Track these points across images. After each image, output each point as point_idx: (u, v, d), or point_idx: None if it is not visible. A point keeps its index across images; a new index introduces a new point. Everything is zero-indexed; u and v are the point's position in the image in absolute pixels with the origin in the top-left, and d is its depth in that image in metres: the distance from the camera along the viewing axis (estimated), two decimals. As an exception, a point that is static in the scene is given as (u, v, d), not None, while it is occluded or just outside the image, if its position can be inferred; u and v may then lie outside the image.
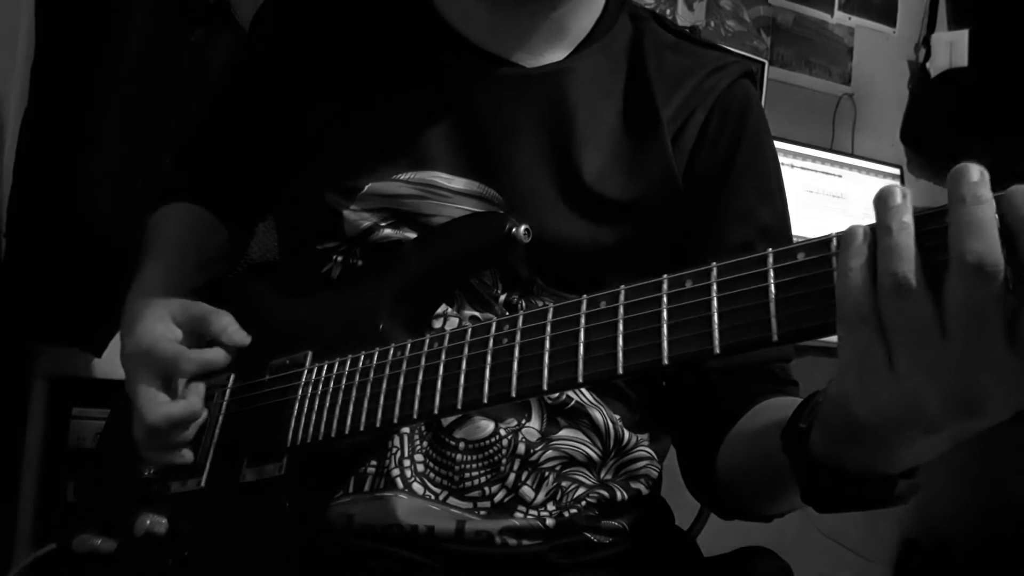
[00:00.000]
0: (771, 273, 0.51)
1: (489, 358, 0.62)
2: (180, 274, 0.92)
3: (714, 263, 0.54)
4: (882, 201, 0.48)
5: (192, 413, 0.78)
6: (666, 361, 0.54)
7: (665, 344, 0.54)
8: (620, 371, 0.55)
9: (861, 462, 0.56)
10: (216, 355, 0.80)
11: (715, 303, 0.53)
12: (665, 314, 0.54)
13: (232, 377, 0.81)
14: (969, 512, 2.20)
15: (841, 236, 0.49)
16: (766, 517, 0.80)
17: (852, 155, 2.44)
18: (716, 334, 0.52)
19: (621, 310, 0.56)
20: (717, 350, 0.52)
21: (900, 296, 0.47)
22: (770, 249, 0.52)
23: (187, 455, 0.79)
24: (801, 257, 0.50)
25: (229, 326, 0.80)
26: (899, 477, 0.56)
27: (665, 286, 0.55)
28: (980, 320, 0.45)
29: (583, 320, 0.58)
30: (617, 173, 0.85)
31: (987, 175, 0.45)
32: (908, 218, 0.47)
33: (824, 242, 0.50)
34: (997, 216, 0.44)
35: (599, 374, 0.56)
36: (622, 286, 0.58)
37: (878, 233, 0.48)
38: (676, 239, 0.86)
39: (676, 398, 0.88)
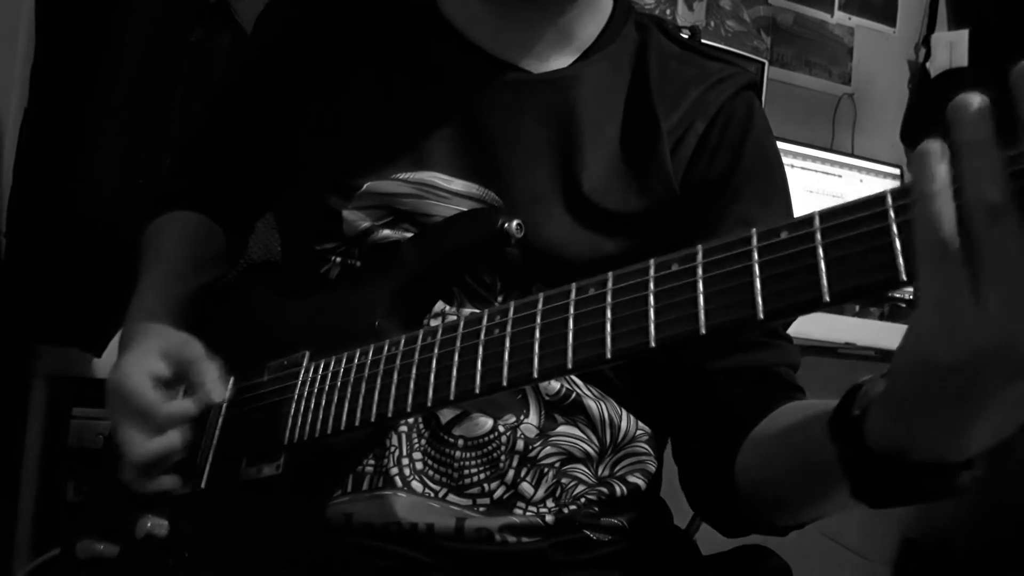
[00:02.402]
0: (755, 253, 0.51)
1: (481, 349, 0.62)
2: (179, 287, 0.92)
3: (699, 245, 0.54)
4: (959, 112, 0.43)
5: (172, 447, 0.78)
6: (653, 344, 0.54)
7: (652, 327, 0.54)
8: (608, 355, 0.55)
9: (928, 444, 0.51)
10: (189, 408, 0.79)
11: (700, 284, 0.53)
12: (652, 297, 0.55)
13: (232, 379, 0.82)
14: (969, 512, 2.20)
15: (915, 155, 0.45)
16: (782, 530, 0.76)
17: (852, 155, 2.44)
18: (702, 315, 0.52)
19: (609, 295, 0.57)
20: (703, 330, 0.52)
21: (994, 223, 0.42)
22: (754, 230, 0.52)
23: (171, 480, 0.79)
24: (784, 236, 0.50)
25: (209, 383, 0.79)
26: (962, 467, 0.52)
27: (652, 270, 0.56)
28: None
29: (572, 307, 0.58)
30: (616, 185, 0.85)
31: None
32: (990, 132, 0.43)
33: (807, 220, 0.50)
34: None
35: (588, 359, 0.57)
36: (610, 272, 0.58)
37: (961, 151, 0.43)
38: (676, 247, 0.85)
39: (680, 407, 0.86)
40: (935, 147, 0.45)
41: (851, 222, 0.48)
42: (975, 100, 0.43)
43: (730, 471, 0.76)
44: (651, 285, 0.55)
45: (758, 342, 0.83)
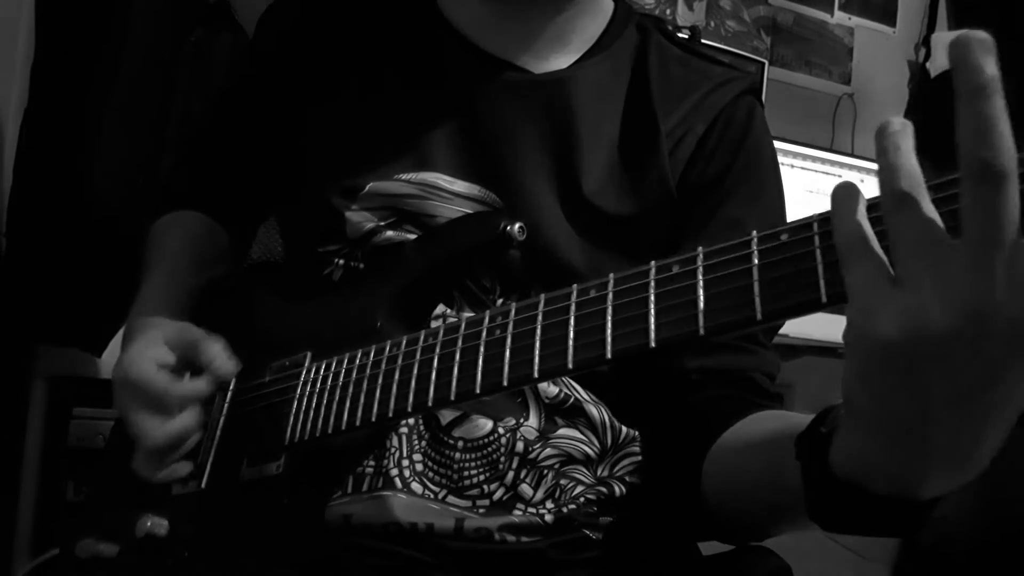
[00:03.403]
0: (755, 255, 0.51)
1: (482, 349, 0.62)
2: (181, 288, 0.92)
3: (700, 248, 0.54)
4: (881, 129, 0.47)
5: (194, 425, 0.78)
6: (653, 344, 0.54)
7: (652, 327, 0.54)
8: (608, 356, 0.56)
9: (887, 467, 0.51)
10: (202, 387, 0.79)
11: (700, 286, 0.53)
12: (652, 298, 0.55)
13: (233, 379, 0.82)
14: (969, 512, 2.20)
15: (832, 195, 0.49)
16: (742, 540, 0.76)
17: (852, 155, 2.44)
18: (701, 316, 0.52)
19: (610, 296, 0.57)
20: (702, 331, 0.52)
21: (904, 209, 0.45)
22: (754, 232, 0.52)
23: (186, 467, 0.79)
24: (784, 238, 0.51)
25: (217, 357, 0.79)
26: (922, 507, 0.51)
27: (652, 272, 0.56)
28: (992, 217, 0.43)
29: (573, 308, 0.59)
30: (614, 186, 0.85)
31: (997, 73, 0.43)
32: (908, 142, 0.46)
33: (807, 224, 0.50)
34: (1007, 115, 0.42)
35: (588, 360, 0.57)
36: (611, 274, 0.58)
37: (877, 156, 0.47)
38: (672, 250, 0.85)
39: (653, 404, 0.86)
40: (848, 184, 0.49)
41: None
42: (896, 121, 0.47)
43: (696, 476, 0.76)
44: (652, 286, 0.55)
45: (737, 345, 0.83)
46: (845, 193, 0.49)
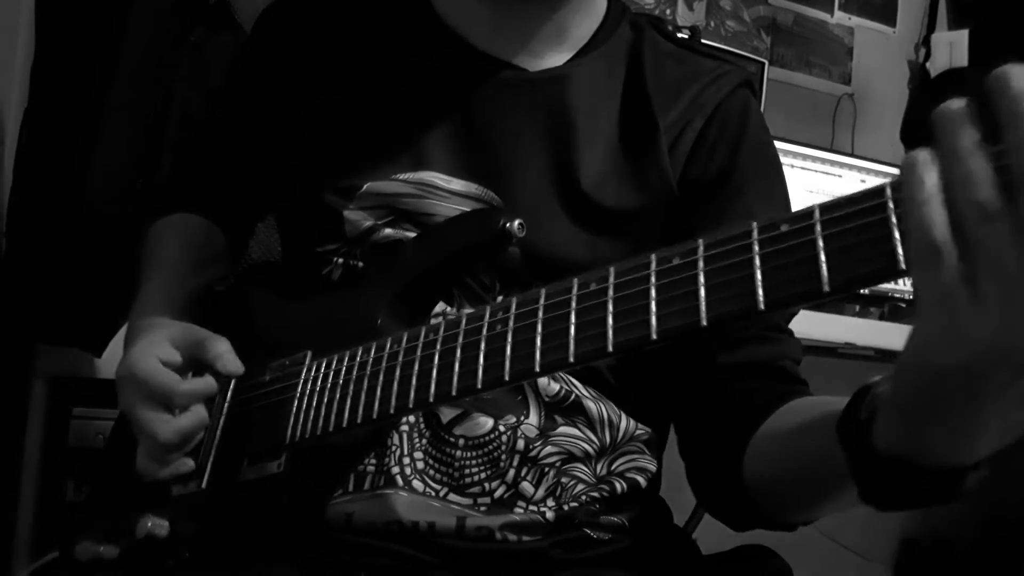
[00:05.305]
0: (756, 245, 0.51)
1: (483, 344, 0.62)
2: (180, 289, 0.92)
3: (700, 239, 0.54)
4: (942, 119, 0.44)
5: (201, 422, 0.79)
6: (654, 336, 0.54)
7: (653, 319, 0.54)
8: (610, 348, 0.55)
9: (937, 448, 0.52)
10: (208, 385, 0.79)
11: (702, 277, 0.53)
12: (653, 291, 0.55)
13: (233, 379, 0.82)
14: (969, 512, 2.20)
15: (903, 165, 0.46)
16: (791, 525, 0.77)
17: (852, 155, 2.44)
18: (703, 307, 0.52)
19: (610, 289, 0.57)
20: (704, 322, 0.52)
21: (986, 223, 0.43)
22: (754, 223, 0.52)
23: (189, 463, 0.79)
24: (784, 228, 0.50)
25: (224, 354, 0.80)
26: (969, 469, 0.52)
27: (653, 264, 0.56)
28: None
29: (574, 301, 0.58)
30: (614, 181, 0.85)
31: None
32: (975, 135, 0.43)
33: (807, 213, 0.50)
34: None
35: (590, 353, 0.57)
36: (611, 266, 0.58)
37: (947, 159, 0.44)
38: (675, 243, 0.86)
39: (686, 403, 0.87)
40: (922, 156, 0.45)
41: (850, 214, 0.48)
42: (956, 106, 0.44)
43: (738, 468, 0.77)
44: (652, 278, 0.55)
45: (762, 336, 0.84)
46: (929, 179, 0.45)
